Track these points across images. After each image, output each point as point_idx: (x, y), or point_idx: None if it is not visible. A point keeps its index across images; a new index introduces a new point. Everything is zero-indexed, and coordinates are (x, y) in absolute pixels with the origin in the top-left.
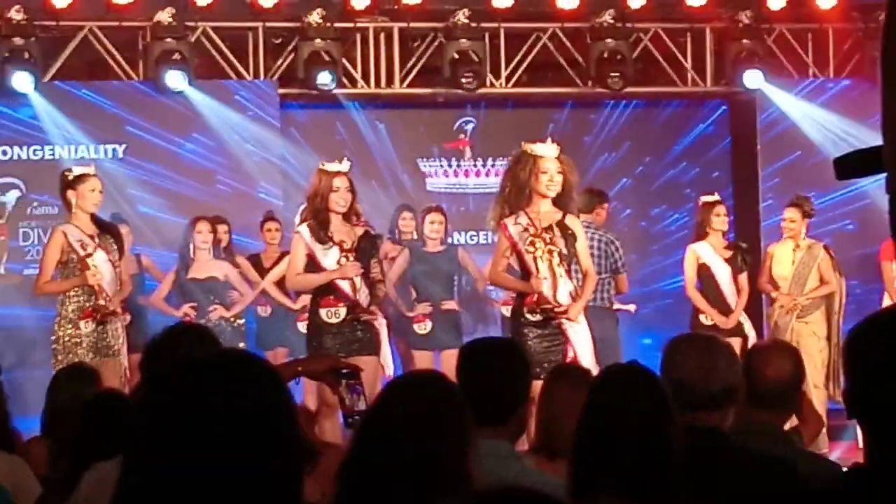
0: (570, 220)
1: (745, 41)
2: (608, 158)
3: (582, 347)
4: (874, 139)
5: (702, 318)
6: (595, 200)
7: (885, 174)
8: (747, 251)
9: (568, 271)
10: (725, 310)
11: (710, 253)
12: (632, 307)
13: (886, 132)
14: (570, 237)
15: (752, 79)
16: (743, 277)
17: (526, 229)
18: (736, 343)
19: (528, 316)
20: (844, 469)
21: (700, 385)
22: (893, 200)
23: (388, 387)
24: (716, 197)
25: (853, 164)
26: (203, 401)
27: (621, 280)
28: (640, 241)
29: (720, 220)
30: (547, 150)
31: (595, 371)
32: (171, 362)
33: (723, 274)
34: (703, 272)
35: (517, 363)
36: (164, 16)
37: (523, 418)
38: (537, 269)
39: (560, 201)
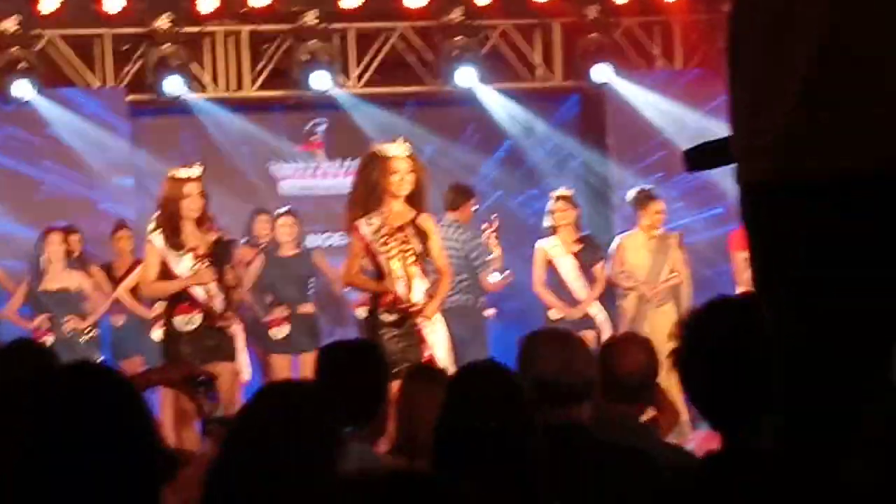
0: (423, 219)
1: (593, 35)
2: (463, 155)
3: (439, 347)
4: (722, 129)
5: (550, 313)
6: (461, 198)
7: (733, 165)
8: (598, 244)
9: (422, 271)
10: (574, 304)
11: (557, 248)
12: (491, 311)
13: (732, 123)
14: (423, 236)
15: (601, 72)
16: (598, 268)
17: (378, 230)
18: (590, 336)
19: (384, 316)
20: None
21: (559, 380)
22: (742, 191)
23: (256, 395)
24: (561, 191)
25: (703, 156)
26: (56, 413)
27: (482, 279)
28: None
29: (561, 215)
30: (397, 150)
31: (452, 370)
32: (4, 381)
33: (568, 268)
34: (552, 267)
35: (374, 364)
36: (10, 24)
37: (383, 419)
38: (391, 269)
39: (413, 200)
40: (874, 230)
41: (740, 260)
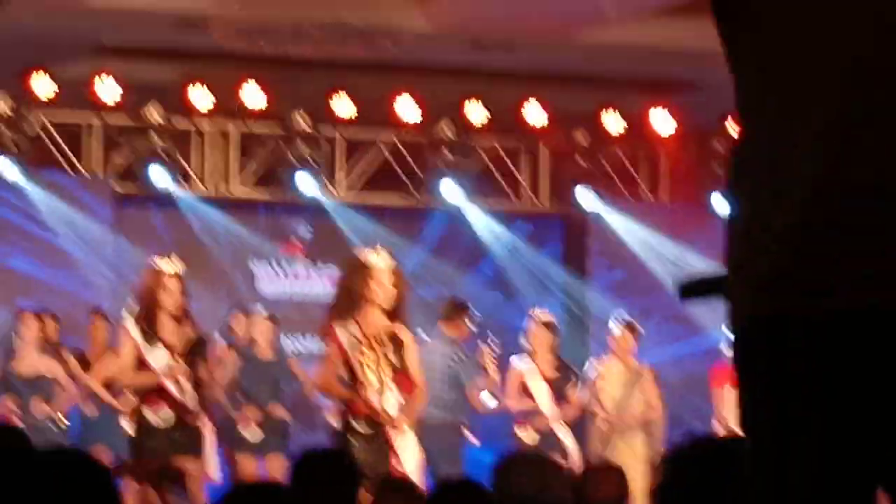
0: (401, 331)
1: (580, 160)
2: (444, 269)
3: (409, 460)
4: (702, 262)
5: (523, 436)
6: (456, 312)
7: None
8: (573, 369)
9: (396, 382)
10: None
11: (533, 371)
12: (469, 435)
13: (727, 254)
14: (400, 347)
15: (586, 198)
16: (572, 392)
17: (356, 337)
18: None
19: (356, 425)
20: None
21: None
22: (733, 325)
23: (227, 497)
24: (540, 314)
25: (696, 286)
26: (34, 496)
27: (471, 397)
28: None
29: (539, 339)
30: (379, 260)
31: (421, 485)
32: None
33: (542, 392)
34: (525, 389)
35: (347, 475)
36: (2, 105)
37: None
38: (366, 378)
39: (392, 311)
40: (875, 370)
41: (720, 396)
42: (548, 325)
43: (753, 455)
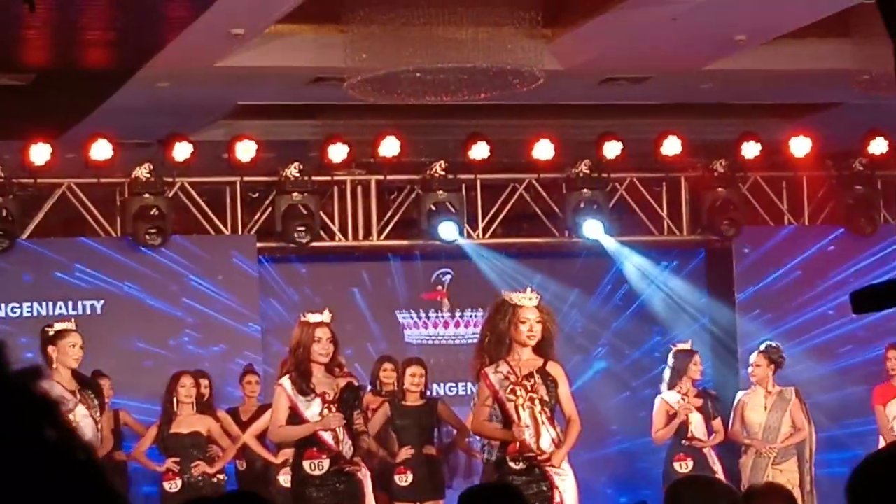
0: (552, 367)
1: (720, 189)
2: (585, 307)
3: (568, 494)
4: (854, 286)
5: (676, 465)
6: None
7: None
8: (717, 398)
9: (550, 418)
10: (699, 457)
11: (680, 401)
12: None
13: None
14: (551, 384)
15: (728, 226)
16: (717, 423)
17: (506, 377)
18: None
19: (512, 464)
20: None
21: None
22: None
23: None
24: (681, 345)
25: (871, 298)
26: None
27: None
28: (620, 389)
29: (696, 370)
30: (526, 300)
31: None
32: None
33: (695, 422)
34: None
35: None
36: (142, 171)
37: None
38: (519, 417)
39: (540, 349)
40: None
41: (882, 414)
42: (693, 352)
43: None
